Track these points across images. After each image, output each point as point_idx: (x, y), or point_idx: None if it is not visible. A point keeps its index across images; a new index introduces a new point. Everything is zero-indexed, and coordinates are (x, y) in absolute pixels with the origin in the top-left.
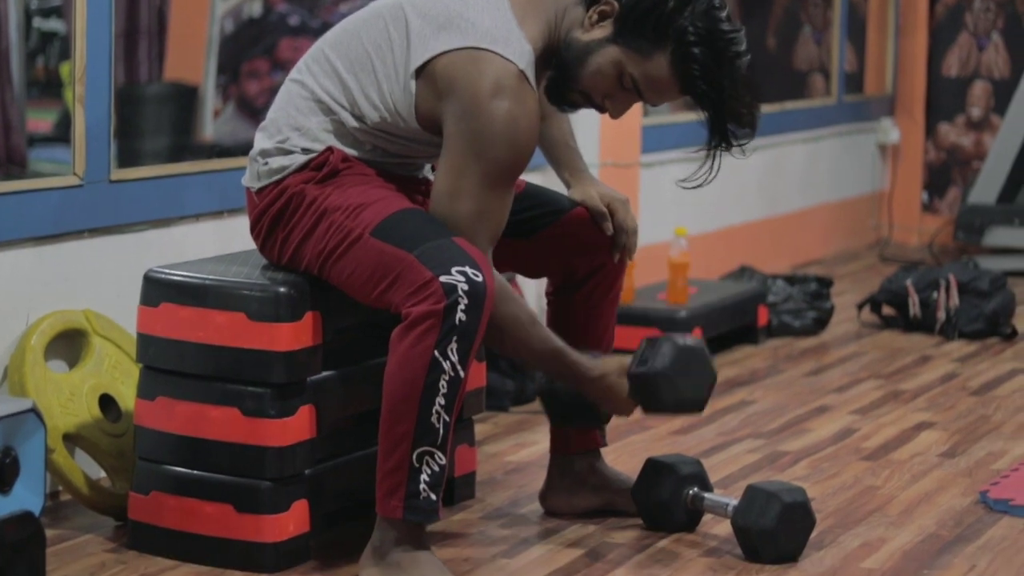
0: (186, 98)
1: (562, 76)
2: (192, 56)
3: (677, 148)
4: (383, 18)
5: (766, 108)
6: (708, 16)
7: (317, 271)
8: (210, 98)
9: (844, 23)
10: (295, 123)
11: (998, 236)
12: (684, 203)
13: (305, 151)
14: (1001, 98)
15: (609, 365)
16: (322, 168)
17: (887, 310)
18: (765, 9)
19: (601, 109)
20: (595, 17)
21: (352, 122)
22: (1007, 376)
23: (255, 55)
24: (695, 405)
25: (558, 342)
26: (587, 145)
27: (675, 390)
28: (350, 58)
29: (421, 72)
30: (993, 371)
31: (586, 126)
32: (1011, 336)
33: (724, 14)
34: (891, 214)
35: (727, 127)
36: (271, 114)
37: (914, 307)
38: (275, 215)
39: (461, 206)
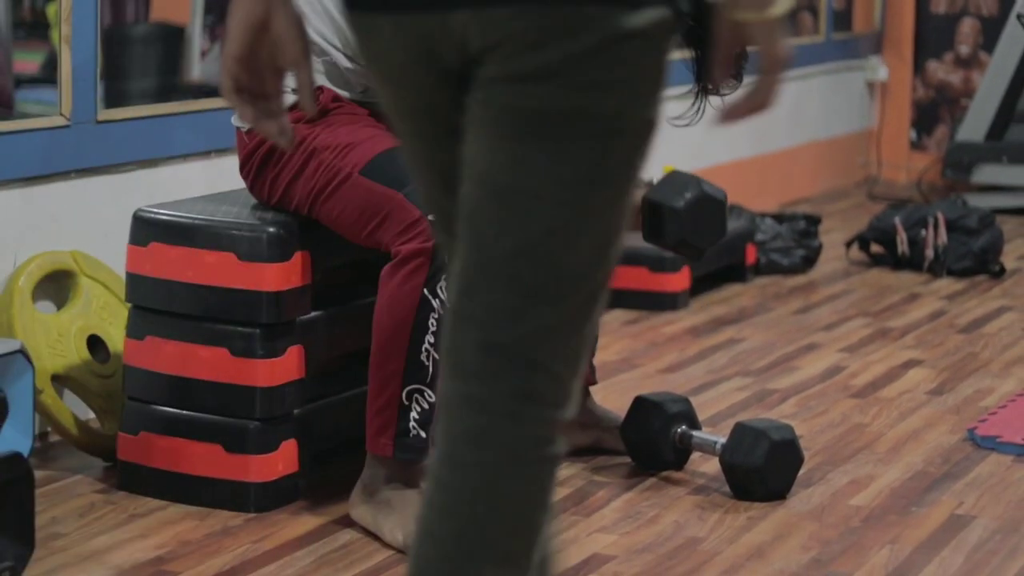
0: (173, 38)
1: None
2: None
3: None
4: None
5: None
6: None
7: (307, 210)
8: (197, 38)
9: None
10: None
11: (986, 174)
12: (672, 141)
13: (295, 91)
14: (989, 35)
15: None
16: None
17: (875, 248)
18: None
19: None
20: None
21: (345, 62)
22: (995, 314)
23: None
24: (694, 252)
25: None
26: None
27: (681, 229)
28: None
29: None
30: (981, 309)
31: None
32: (999, 274)
33: None
34: (879, 152)
35: (714, 72)
36: None
37: (902, 245)
38: (265, 154)
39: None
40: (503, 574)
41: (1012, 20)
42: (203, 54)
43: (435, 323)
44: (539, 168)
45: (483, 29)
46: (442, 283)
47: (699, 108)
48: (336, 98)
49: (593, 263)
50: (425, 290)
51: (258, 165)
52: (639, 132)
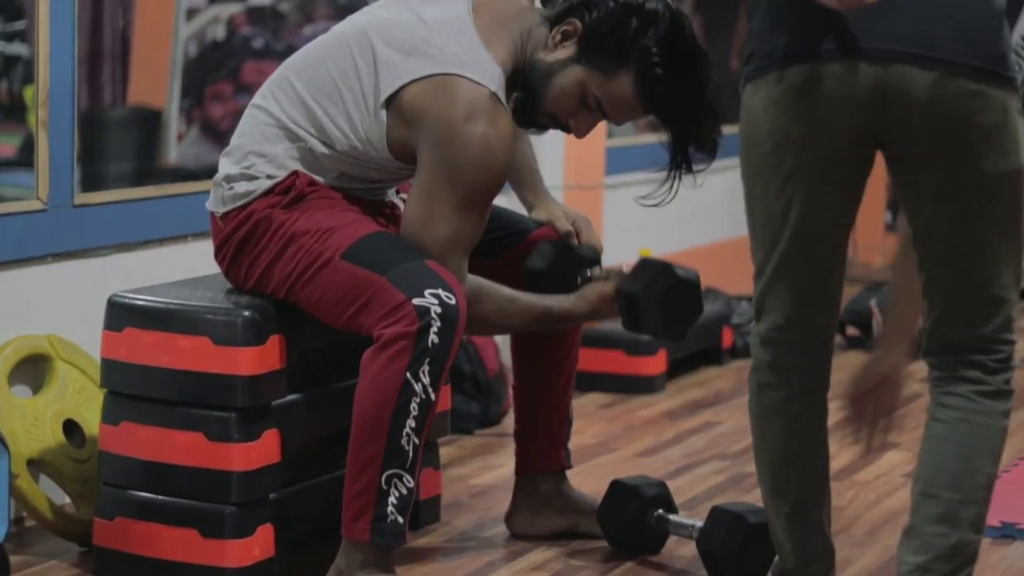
0: (150, 122)
1: (528, 98)
2: (156, 79)
3: (641, 170)
4: (348, 46)
5: (729, 129)
6: (672, 37)
7: (284, 294)
8: (174, 121)
9: None
10: (260, 149)
11: None
12: (649, 224)
13: (270, 177)
14: None
15: (590, 297)
16: (288, 192)
17: (851, 331)
18: (728, 30)
19: (567, 129)
20: (558, 37)
21: (320, 148)
22: None
23: (219, 78)
24: (674, 335)
25: (540, 304)
26: (551, 167)
27: (658, 317)
28: (316, 85)
29: (391, 101)
30: None
31: (551, 148)
32: None
33: (688, 35)
34: (855, 234)
35: (688, 149)
36: (235, 140)
37: (878, 328)
38: (241, 240)
39: (436, 231)
40: None
41: None
42: (180, 138)
43: (416, 408)
44: None
45: None
46: (424, 367)
47: (670, 189)
48: (312, 182)
49: None
50: (408, 374)
51: (234, 250)
52: None
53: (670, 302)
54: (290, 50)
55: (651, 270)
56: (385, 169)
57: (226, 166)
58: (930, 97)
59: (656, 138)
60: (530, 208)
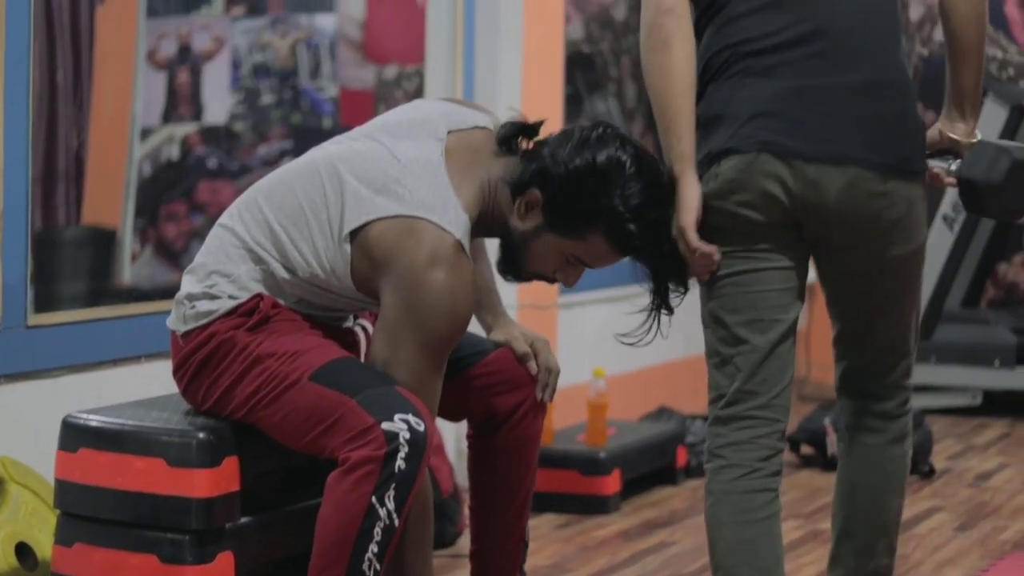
0: (104, 242)
1: (511, 259)
2: (110, 199)
3: (595, 289)
4: (319, 174)
5: None
6: (633, 185)
7: (244, 414)
8: (128, 241)
9: None
10: (223, 269)
11: (915, 373)
12: (602, 344)
13: (232, 297)
14: None
15: None
16: (252, 314)
17: (805, 449)
18: None
19: (553, 281)
20: (523, 208)
21: (282, 273)
22: (925, 515)
23: (173, 198)
24: (1017, 215)
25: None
26: (506, 286)
27: (1000, 200)
28: (284, 210)
29: (356, 235)
30: (911, 510)
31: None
32: (929, 475)
33: (647, 174)
34: (809, 352)
35: (668, 287)
36: (199, 258)
37: (832, 446)
38: (202, 360)
39: (398, 376)
40: None
41: (938, 221)
42: (134, 258)
43: (380, 533)
44: None
45: None
46: (390, 493)
47: (652, 327)
48: (276, 305)
49: None
50: (373, 498)
51: (194, 370)
52: None
53: (1011, 184)
54: (244, 170)
55: (988, 153)
56: (345, 299)
57: (188, 284)
58: (842, 195)
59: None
60: (488, 329)
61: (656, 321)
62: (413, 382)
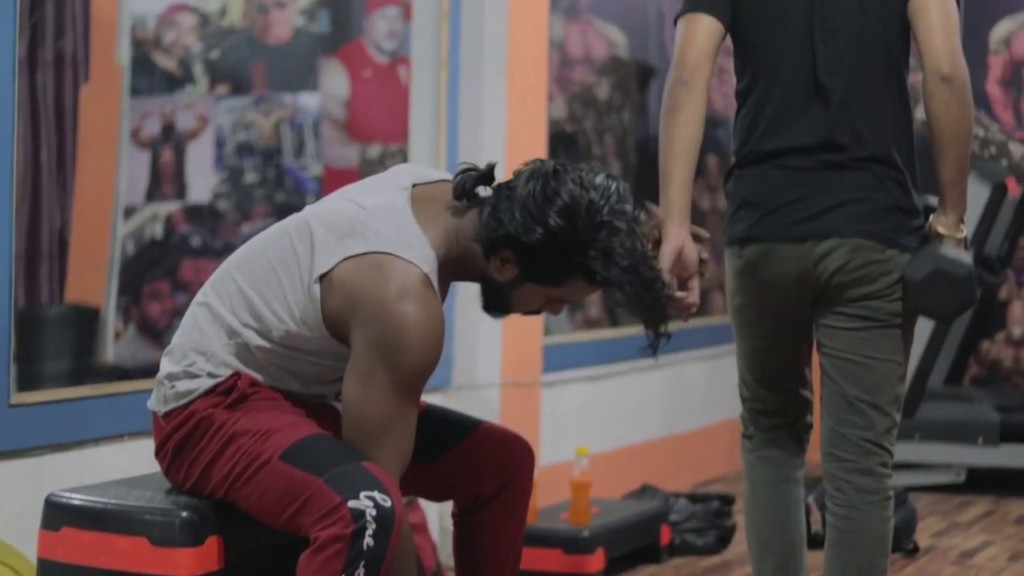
0: (87, 320)
1: (492, 301)
2: (93, 278)
3: (579, 367)
4: (288, 234)
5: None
6: (607, 239)
7: (223, 494)
8: (111, 320)
9: None
10: (200, 347)
11: (899, 451)
12: (586, 422)
13: (211, 375)
14: None
15: None
16: (231, 393)
17: None
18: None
19: (539, 313)
20: (498, 263)
21: (257, 340)
22: None
23: (157, 276)
24: (940, 316)
25: None
26: (488, 365)
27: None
28: (254, 274)
29: (325, 278)
30: None
31: (487, 345)
32: (913, 552)
33: (619, 222)
34: None
35: (658, 313)
36: (176, 338)
37: (816, 524)
38: (182, 439)
39: (371, 412)
40: None
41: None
42: (117, 336)
43: None
44: None
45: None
46: (360, 570)
47: (662, 341)
48: (254, 383)
49: None
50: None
51: (174, 450)
52: None
53: (930, 287)
54: (228, 248)
55: (927, 255)
56: (322, 356)
57: (167, 365)
58: (848, 262)
59: (592, 336)
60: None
61: (658, 337)
62: (386, 417)
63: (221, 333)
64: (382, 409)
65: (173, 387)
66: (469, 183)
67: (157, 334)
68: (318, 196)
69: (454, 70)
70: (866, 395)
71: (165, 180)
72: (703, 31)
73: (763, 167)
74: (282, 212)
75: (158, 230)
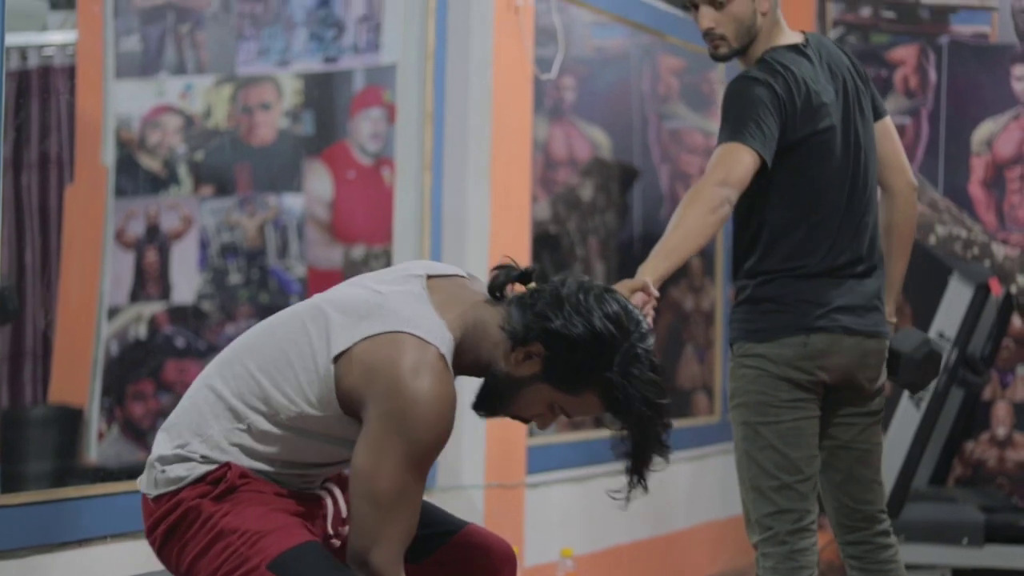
0: (71, 421)
1: (489, 400)
2: (77, 378)
3: (562, 468)
4: (300, 317)
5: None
6: (635, 366)
7: None
8: (95, 421)
9: (726, 341)
10: (198, 429)
11: None
12: (570, 523)
13: (204, 459)
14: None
15: None
16: (219, 483)
17: None
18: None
19: (527, 422)
20: (522, 356)
21: (263, 424)
22: None
23: (140, 377)
24: (918, 388)
25: None
26: (471, 466)
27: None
28: (263, 356)
29: (342, 357)
30: None
31: (470, 447)
32: None
33: (650, 361)
34: None
35: (650, 456)
36: (175, 416)
37: None
38: (170, 527)
39: (384, 485)
40: None
41: (904, 400)
42: (101, 437)
43: None
44: None
45: None
46: None
47: (639, 484)
48: (244, 475)
49: None
50: None
51: (163, 535)
52: None
53: (925, 364)
54: (212, 349)
55: (917, 336)
56: (331, 439)
57: (162, 444)
58: (874, 354)
59: (576, 437)
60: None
61: (634, 487)
62: (397, 492)
63: (223, 418)
64: (394, 482)
65: (164, 472)
66: (503, 278)
67: (141, 434)
68: (302, 297)
69: (438, 172)
70: (876, 474)
71: (149, 281)
72: (750, 163)
73: (810, 278)
74: (266, 313)
75: (142, 331)
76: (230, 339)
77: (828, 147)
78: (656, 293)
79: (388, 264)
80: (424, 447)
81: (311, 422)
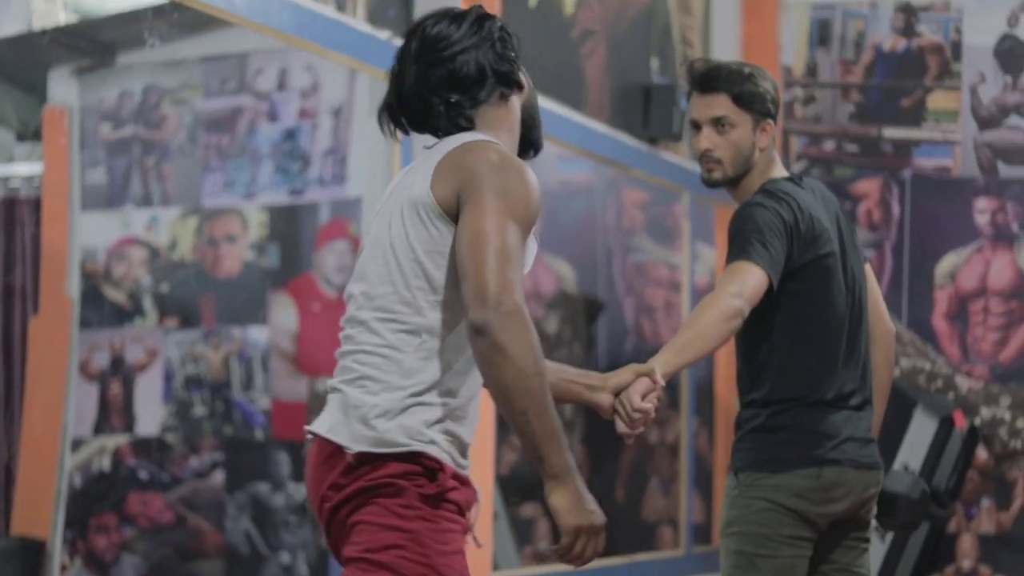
0: (33, 553)
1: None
2: (40, 510)
3: None
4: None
5: (615, 560)
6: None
7: None
8: (57, 553)
9: (691, 474)
10: (396, 364)
11: None
12: None
13: (413, 395)
14: None
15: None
16: (434, 479)
17: None
18: (613, 462)
19: None
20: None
21: (427, 298)
22: None
23: (104, 510)
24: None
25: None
26: None
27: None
28: (376, 263)
29: (431, 183)
30: None
31: None
32: None
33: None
34: None
35: None
36: (358, 367)
37: None
38: (370, 498)
39: (509, 240)
40: None
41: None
42: (63, 569)
43: None
44: None
45: None
46: None
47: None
48: (456, 475)
49: None
50: None
51: (357, 501)
52: None
53: (919, 503)
54: (176, 481)
55: (909, 478)
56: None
57: (359, 394)
58: (875, 485)
59: (540, 570)
60: (593, 388)
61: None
62: (517, 248)
63: (396, 331)
64: (516, 237)
65: (370, 426)
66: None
67: (104, 568)
68: (266, 430)
69: None
70: None
71: (113, 413)
72: (761, 280)
73: (821, 408)
74: (230, 445)
75: (105, 463)
76: (194, 472)
77: (832, 272)
78: (662, 382)
79: None
80: (529, 205)
81: (443, 245)
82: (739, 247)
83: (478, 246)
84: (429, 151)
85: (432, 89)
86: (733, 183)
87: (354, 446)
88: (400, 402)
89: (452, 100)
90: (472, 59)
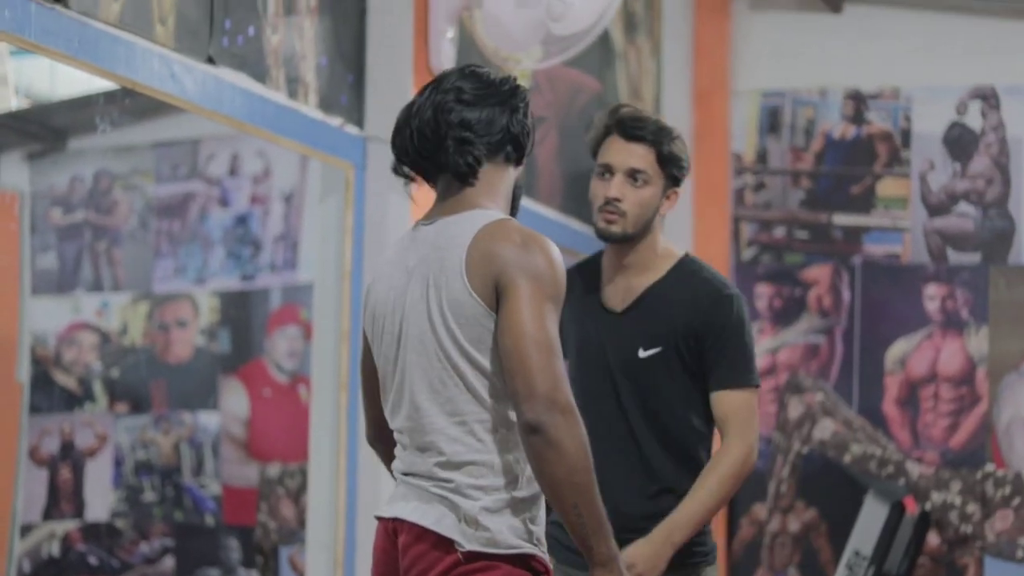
0: None
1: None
2: None
3: None
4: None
5: None
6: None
7: None
8: None
9: None
10: (488, 466)
11: None
12: None
13: (506, 488)
14: None
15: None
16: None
17: None
18: None
19: None
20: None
21: (497, 411)
22: None
23: None
24: None
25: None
26: None
27: None
28: (427, 358)
29: (464, 272)
30: None
31: None
32: None
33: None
34: None
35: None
36: (445, 472)
37: None
38: None
39: (549, 332)
40: None
41: None
42: None
43: None
44: None
45: None
46: None
47: None
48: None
49: None
50: None
51: None
52: None
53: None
54: (125, 567)
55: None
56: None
57: (456, 475)
58: None
59: None
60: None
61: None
62: (554, 337)
63: (479, 428)
64: (552, 324)
65: (480, 525)
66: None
67: None
68: (216, 515)
69: (354, 391)
70: None
71: (63, 498)
72: None
73: None
74: (181, 531)
75: (55, 548)
76: (144, 557)
77: None
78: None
79: (303, 483)
80: (557, 281)
81: (488, 337)
82: (751, 366)
83: (521, 341)
84: (433, 230)
85: (451, 122)
86: (627, 242)
87: (465, 544)
88: (501, 500)
89: (466, 137)
90: (497, 113)
